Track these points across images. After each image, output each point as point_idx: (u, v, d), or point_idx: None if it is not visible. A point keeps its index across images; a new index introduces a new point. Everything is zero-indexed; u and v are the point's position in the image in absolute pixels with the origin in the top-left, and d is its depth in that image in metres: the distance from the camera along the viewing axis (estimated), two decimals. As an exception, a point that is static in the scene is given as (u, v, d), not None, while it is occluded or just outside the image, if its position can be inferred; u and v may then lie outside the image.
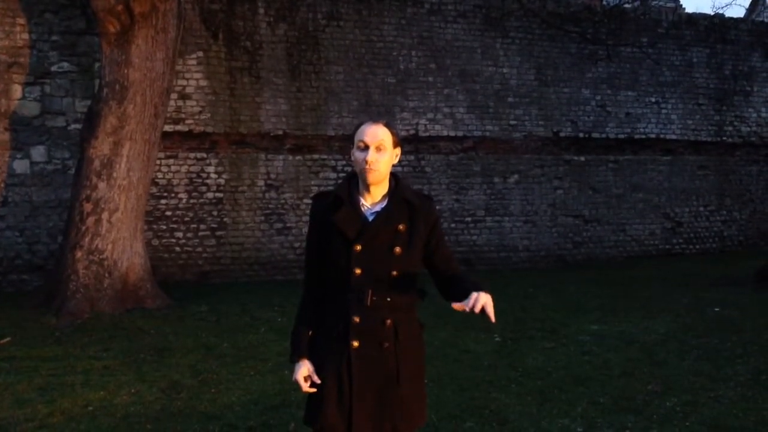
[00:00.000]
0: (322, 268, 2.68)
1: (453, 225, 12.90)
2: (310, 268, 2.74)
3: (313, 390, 2.61)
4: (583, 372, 5.90)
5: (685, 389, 5.37)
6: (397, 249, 2.59)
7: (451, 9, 12.97)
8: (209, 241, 11.55)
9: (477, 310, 2.39)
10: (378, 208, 2.63)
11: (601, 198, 14.06)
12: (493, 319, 2.44)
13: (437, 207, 12.93)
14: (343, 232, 2.59)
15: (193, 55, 11.42)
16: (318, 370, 2.62)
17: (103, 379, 5.83)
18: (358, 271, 2.57)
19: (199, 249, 11.50)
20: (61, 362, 6.35)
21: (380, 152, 2.59)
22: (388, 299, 2.59)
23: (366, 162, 2.56)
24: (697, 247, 14.82)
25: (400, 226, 2.61)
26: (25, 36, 10.50)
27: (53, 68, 10.64)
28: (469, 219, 13.05)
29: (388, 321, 2.60)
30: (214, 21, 11.59)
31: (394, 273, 2.59)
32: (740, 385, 5.46)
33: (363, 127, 2.64)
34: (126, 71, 8.78)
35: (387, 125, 2.65)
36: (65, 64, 10.69)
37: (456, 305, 2.47)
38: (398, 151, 2.69)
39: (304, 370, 2.63)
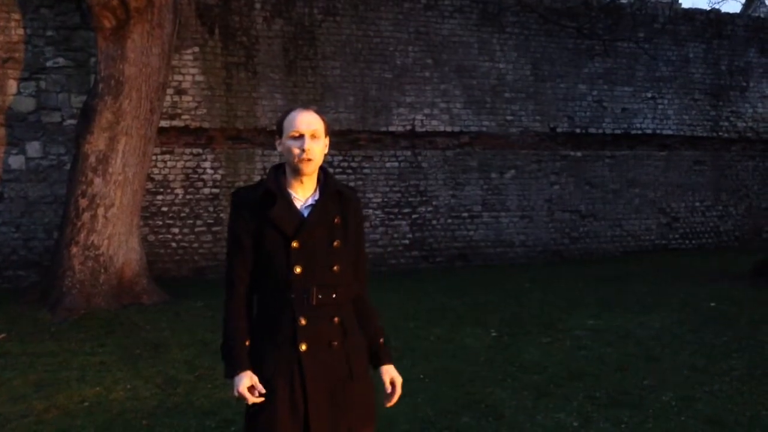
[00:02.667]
0: (255, 268, 2.50)
1: (450, 220, 12.90)
2: (236, 270, 2.52)
3: (260, 400, 2.40)
4: (579, 367, 5.91)
5: (680, 384, 5.39)
6: (336, 243, 2.48)
7: (447, 4, 12.94)
8: (205, 237, 11.54)
9: (391, 403, 2.63)
10: (311, 201, 2.51)
11: (597, 193, 14.07)
12: (391, 404, 2.65)
13: (434, 203, 12.86)
14: (280, 228, 2.43)
15: (189, 51, 11.40)
16: (265, 380, 2.42)
17: (99, 375, 5.83)
18: (298, 269, 2.42)
19: (196, 245, 11.48)
20: (57, 358, 6.35)
21: (315, 140, 2.47)
22: (334, 296, 2.47)
23: (303, 150, 2.43)
24: (693, 242, 14.85)
25: (336, 219, 2.50)
26: (20, 31, 10.46)
27: (48, 63, 10.60)
28: (465, 214, 13.05)
29: (336, 318, 2.48)
30: (210, 16, 11.56)
31: (336, 268, 2.48)
32: (735, 379, 5.48)
33: (293, 114, 2.50)
34: (122, 66, 8.75)
35: (317, 112, 2.53)
36: (60, 60, 10.66)
37: (386, 380, 2.64)
38: (328, 140, 2.56)
39: (246, 380, 2.40)
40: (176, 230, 11.38)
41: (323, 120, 2.53)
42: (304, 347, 2.43)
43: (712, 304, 8.38)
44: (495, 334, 7.12)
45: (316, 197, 2.52)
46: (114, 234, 8.76)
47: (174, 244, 11.36)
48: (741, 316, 7.70)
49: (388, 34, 12.55)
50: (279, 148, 2.53)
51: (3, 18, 10.36)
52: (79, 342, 6.95)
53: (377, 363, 2.64)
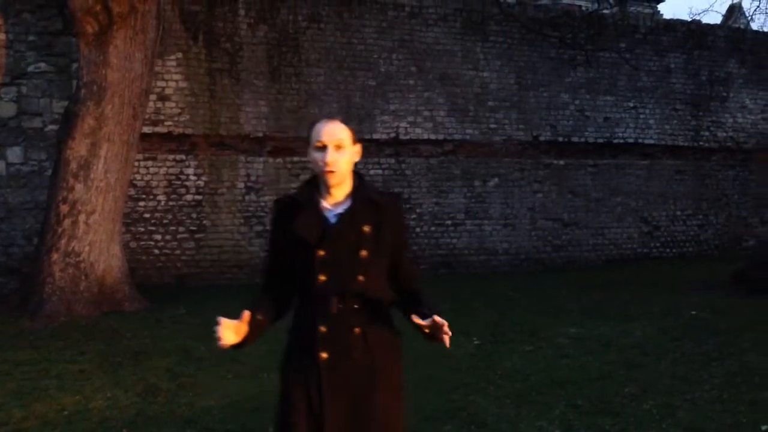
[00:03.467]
0: (287, 276, 2.54)
1: (433, 228, 12.92)
2: (269, 276, 2.62)
3: (221, 336, 2.37)
4: (561, 375, 5.92)
5: (661, 392, 5.41)
6: (363, 252, 2.44)
7: (431, 12, 13.00)
8: (188, 244, 11.47)
9: (445, 334, 2.34)
10: (341, 209, 2.49)
11: (580, 202, 14.15)
12: (447, 343, 2.37)
13: (417, 211, 12.78)
14: (303, 236, 2.44)
15: (173, 57, 11.35)
16: (287, 384, 2.48)
17: (79, 383, 5.77)
18: (322, 277, 2.42)
19: (178, 251, 11.42)
20: (36, 366, 6.27)
21: (340, 151, 2.46)
22: (355, 306, 2.44)
23: (325, 163, 2.44)
24: (674, 250, 14.96)
25: (366, 228, 2.45)
26: (2, 36, 10.37)
27: (30, 68, 10.52)
28: (449, 222, 13.07)
29: (357, 329, 2.44)
30: (193, 22, 11.53)
31: (361, 278, 2.44)
32: (716, 387, 5.52)
33: (318, 125, 2.51)
34: (104, 72, 8.69)
35: (343, 122, 2.53)
36: (42, 65, 10.57)
37: (417, 319, 2.40)
38: (358, 147, 2.55)
39: (227, 321, 2.39)
40: (158, 237, 11.31)
41: (350, 129, 2.53)
42: (324, 356, 2.42)
43: (693, 313, 8.44)
44: (477, 342, 7.12)
45: (347, 205, 2.50)
46: (95, 240, 8.69)
47: (156, 251, 11.29)
48: (721, 324, 7.76)
49: (372, 42, 12.58)
50: (309, 158, 2.55)
51: (-16, 22, 10.27)
52: (59, 350, 6.87)
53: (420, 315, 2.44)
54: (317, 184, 2.55)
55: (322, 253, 2.43)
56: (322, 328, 2.43)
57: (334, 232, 2.45)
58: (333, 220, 2.48)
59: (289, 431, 2.43)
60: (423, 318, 2.40)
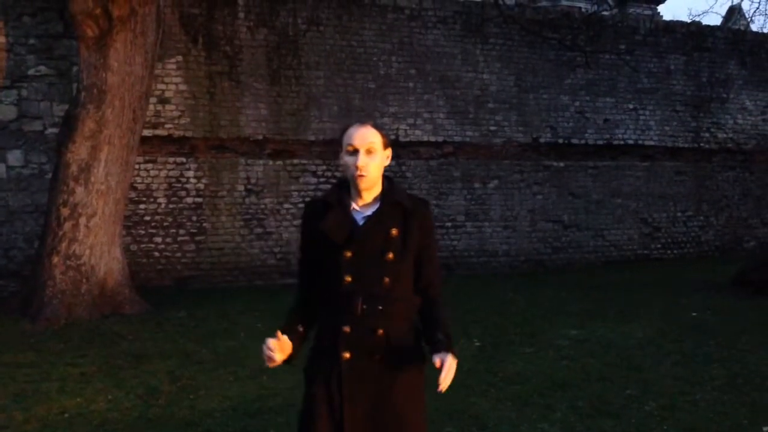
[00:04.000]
0: (315, 277, 2.57)
1: (433, 230, 12.90)
2: (302, 278, 2.66)
3: (269, 355, 2.42)
4: (561, 377, 5.93)
5: (662, 393, 5.42)
6: (390, 255, 2.47)
7: (431, 15, 13.01)
8: (188, 246, 11.48)
9: (442, 386, 2.37)
10: (369, 211, 2.51)
11: (580, 203, 14.15)
12: (442, 388, 2.38)
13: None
14: (331, 237, 2.47)
15: (173, 60, 11.36)
16: (310, 384, 2.51)
17: (80, 386, 5.77)
18: (348, 278, 2.45)
19: (178, 254, 11.42)
20: (37, 369, 6.27)
21: (371, 155, 2.49)
22: (380, 308, 2.45)
23: (357, 167, 2.46)
24: (675, 252, 14.96)
25: (393, 231, 2.49)
26: (2, 39, 10.38)
27: (30, 72, 10.52)
28: (449, 224, 13.07)
29: (380, 331, 2.45)
30: (193, 25, 11.54)
31: (387, 280, 2.46)
32: (716, 389, 5.52)
33: (350, 129, 2.53)
34: (104, 75, 8.70)
35: (375, 126, 2.54)
36: (42, 68, 10.58)
37: (436, 362, 2.42)
38: (389, 152, 2.58)
39: (271, 340, 2.43)
40: (159, 239, 11.31)
41: (381, 133, 2.55)
42: (346, 356, 2.45)
43: (694, 314, 8.44)
44: (478, 344, 7.12)
45: (375, 207, 2.53)
46: (96, 243, 8.69)
47: (157, 254, 11.29)
48: (722, 325, 7.76)
49: (371, 44, 12.59)
50: (340, 161, 2.55)
51: (-16, 26, 10.28)
52: (60, 352, 6.88)
53: (433, 352, 2.51)
54: (347, 186, 2.57)
55: (348, 254, 2.46)
56: (346, 329, 2.45)
57: (361, 234, 2.48)
58: (361, 222, 2.51)
59: (311, 431, 2.46)
60: (434, 346, 2.48)
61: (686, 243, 15.12)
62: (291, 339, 2.48)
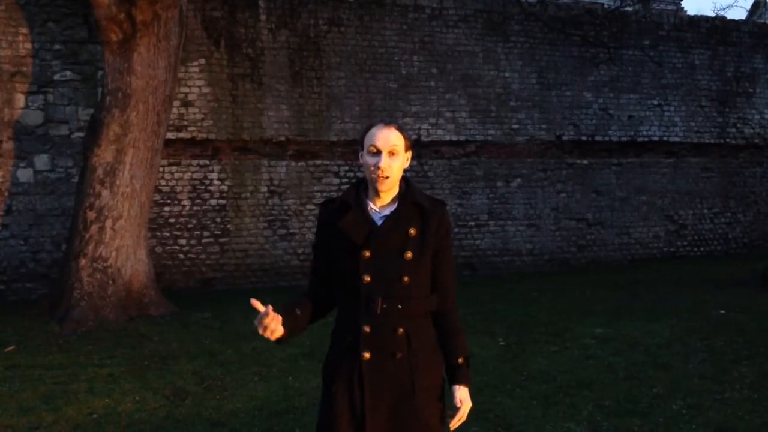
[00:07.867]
0: (331, 277, 2.56)
1: (456, 229, 12.89)
2: (313, 276, 2.64)
3: (263, 325, 2.40)
4: (587, 375, 5.88)
5: (690, 392, 5.36)
6: (408, 254, 2.46)
7: (452, 14, 12.98)
8: (213, 248, 11.56)
9: (455, 425, 2.56)
10: (387, 211, 2.51)
11: (604, 201, 14.04)
12: (453, 425, 2.55)
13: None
14: (349, 237, 2.46)
15: (195, 63, 11.45)
16: (329, 384, 2.51)
17: (108, 387, 5.83)
18: (367, 278, 2.44)
19: (203, 256, 11.51)
20: (66, 370, 6.36)
21: (393, 157, 2.47)
22: (400, 307, 2.45)
23: (379, 168, 2.44)
24: (702, 249, 14.79)
25: (411, 230, 2.48)
26: (28, 45, 10.53)
27: (56, 77, 10.67)
28: (472, 223, 13.04)
29: (400, 330, 2.45)
30: (215, 28, 11.62)
31: (406, 279, 2.46)
32: (746, 387, 5.45)
33: (374, 129, 2.50)
34: (128, 79, 8.80)
35: (398, 128, 2.53)
36: (68, 73, 10.72)
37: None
38: (410, 154, 2.58)
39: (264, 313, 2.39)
40: (183, 242, 11.41)
41: (404, 135, 2.53)
42: (367, 356, 2.44)
43: (722, 312, 8.33)
44: (503, 343, 7.09)
45: (393, 207, 2.52)
46: (122, 246, 8.78)
47: (181, 256, 11.39)
48: (750, 323, 7.66)
49: (393, 44, 12.59)
50: (361, 161, 2.54)
51: (11, 32, 10.44)
52: (88, 354, 6.96)
53: (452, 381, 2.59)
54: (365, 186, 2.57)
55: (367, 253, 2.45)
56: (366, 328, 2.45)
57: (380, 234, 2.47)
58: (379, 222, 2.50)
59: (332, 431, 2.45)
60: (453, 374, 2.59)
61: (713, 240, 14.93)
62: (285, 318, 2.46)
